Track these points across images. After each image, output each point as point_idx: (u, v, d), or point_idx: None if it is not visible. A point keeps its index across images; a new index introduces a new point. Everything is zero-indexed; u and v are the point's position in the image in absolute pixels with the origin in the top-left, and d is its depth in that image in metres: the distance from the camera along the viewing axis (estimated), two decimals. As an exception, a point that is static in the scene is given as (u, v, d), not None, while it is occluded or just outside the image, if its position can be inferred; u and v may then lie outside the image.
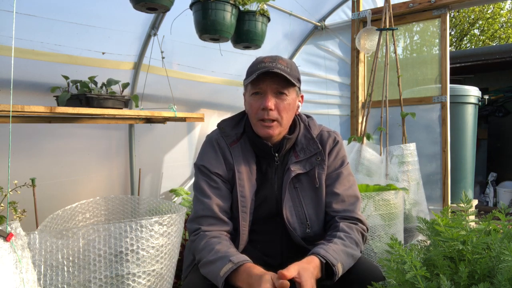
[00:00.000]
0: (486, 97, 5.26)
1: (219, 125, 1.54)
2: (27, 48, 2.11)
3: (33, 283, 1.01)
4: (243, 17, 2.17)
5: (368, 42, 3.25)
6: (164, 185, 3.25)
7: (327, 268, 1.23)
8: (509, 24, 13.78)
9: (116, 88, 2.42)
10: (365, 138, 3.04)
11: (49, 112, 1.91)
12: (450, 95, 3.29)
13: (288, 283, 1.11)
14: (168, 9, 1.86)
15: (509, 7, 13.33)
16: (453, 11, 3.86)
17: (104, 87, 2.33)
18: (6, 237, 0.96)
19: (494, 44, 13.11)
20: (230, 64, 3.27)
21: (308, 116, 1.59)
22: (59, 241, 1.13)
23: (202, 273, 1.28)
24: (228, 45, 2.32)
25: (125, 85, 2.47)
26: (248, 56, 3.08)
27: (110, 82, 2.35)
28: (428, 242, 1.37)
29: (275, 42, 3.55)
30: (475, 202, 4.34)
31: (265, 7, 2.25)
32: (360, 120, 3.50)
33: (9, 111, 1.74)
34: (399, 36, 3.59)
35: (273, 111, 1.40)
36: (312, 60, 3.87)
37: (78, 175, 2.61)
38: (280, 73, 1.35)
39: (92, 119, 2.46)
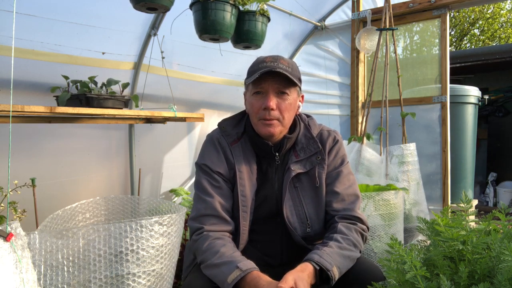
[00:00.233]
0: (486, 97, 5.26)
1: (220, 124, 1.54)
2: (27, 48, 2.11)
3: (33, 283, 1.01)
4: (243, 17, 2.17)
5: (368, 42, 3.25)
6: (164, 185, 3.25)
7: (322, 273, 1.23)
8: (509, 24, 13.78)
9: (116, 88, 2.42)
10: (365, 138, 3.04)
11: (49, 112, 1.91)
12: (450, 95, 3.29)
13: None
14: (168, 9, 1.86)
15: (509, 7, 13.33)
16: (453, 11, 3.87)
17: (104, 87, 2.33)
18: (6, 237, 0.96)
19: (494, 44, 13.11)
20: (230, 64, 3.27)
21: (308, 116, 1.59)
22: (59, 241, 1.13)
23: (206, 274, 1.28)
24: (228, 45, 2.32)
25: (125, 85, 2.47)
26: (248, 56, 3.08)
27: (110, 82, 2.35)
28: (428, 242, 1.38)
29: (275, 42, 3.55)
30: (475, 202, 4.34)
31: (265, 7, 2.25)
32: (360, 120, 3.50)
33: (9, 111, 1.74)
34: (399, 36, 3.59)
35: (275, 111, 1.40)
36: (312, 60, 3.87)
37: (78, 175, 2.61)
38: (282, 72, 1.35)
39: (92, 119, 2.46)
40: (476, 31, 14.23)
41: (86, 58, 2.41)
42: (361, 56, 3.64)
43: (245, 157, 1.47)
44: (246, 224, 1.42)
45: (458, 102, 4.06)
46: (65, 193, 2.54)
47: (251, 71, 1.44)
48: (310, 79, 3.85)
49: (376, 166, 2.88)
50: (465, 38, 14.28)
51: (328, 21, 3.74)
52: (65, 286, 1.11)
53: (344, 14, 3.71)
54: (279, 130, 1.43)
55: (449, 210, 1.38)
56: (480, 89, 4.39)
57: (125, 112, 2.35)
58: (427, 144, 3.28)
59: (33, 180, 1.95)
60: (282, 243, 1.48)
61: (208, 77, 3.25)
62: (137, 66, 2.72)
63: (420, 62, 3.46)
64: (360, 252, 1.39)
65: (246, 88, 1.49)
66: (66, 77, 2.23)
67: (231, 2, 2.02)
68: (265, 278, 1.19)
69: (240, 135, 1.50)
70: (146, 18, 2.50)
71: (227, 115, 1.61)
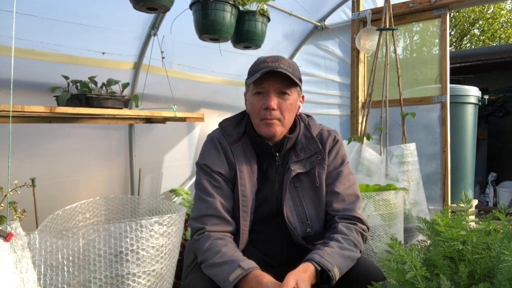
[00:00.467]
0: (486, 97, 5.26)
1: (220, 124, 1.54)
2: (27, 48, 2.11)
3: (33, 283, 1.01)
4: (243, 17, 2.17)
5: (368, 42, 3.25)
6: (164, 185, 3.25)
7: (323, 273, 1.24)
8: (509, 24, 13.78)
9: (116, 88, 2.42)
10: (365, 138, 3.04)
11: (49, 112, 1.91)
12: (450, 95, 3.29)
13: None
14: (168, 9, 1.86)
15: (509, 7, 13.33)
16: (453, 11, 3.86)
17: (104, 87, 2.34)
18: (6, 237, 0.96)
19: (494, 44, 13.11)
20: (230, 64, 3.27)
21: (308, 116, 1.60)
22: (59, 241, 1.13)
23: (206, 273, 1.28)
24: (228, 45, 2.32)
25: (125, 85, 2.47)
26: (248, 56, 3.08)
27: (110, 82, 2.35)
28: (428, 242, 1.38)
29: (275, 42, 3.55)
30: (475, 202, 4.34)
31: (265, 7, 2.25)
32: (360, 120, 3.50)
33: (9, 111, 1.74)
34: (399, 36, 3.59)
35: (276, 111, 1.40)
36: (312, 60, 3.87)
37: (78, 175, 2.61)
38: (283, 72, 1.35)
39: (92, 119, 2.46)
40: (476, 31, 14.24)
41: (86, 58, 2.41)
42: (361, 56, 3.64)
43: (246, 157, 1.47)
44: (246, 224, 1.42)
45: (458, 102, 4.06)
46: (65, 193, 2.54)
47: (252, 71, 1.44)
48: (310, 79, 3.85)
49: (376, 166, 2.88)
50: (465, 38, 14.28)
51: (328, 21, 3.74)
52: (65, 286, 1.11)
53: (344, 14, 3.71)
54: (280, 130, 1.43)
55: (449, 210, 1.38)
56: (480, 89, 4.39)
57: (125, 112, 2.35)
58: (427, 144, 3.28)
59: (33, 180, 1.95)
60: (282, 243, 1.48)
61: (208, 77, 3.25)
62: (137, 66, 2.72)
63: (420, 62, 3.46)
64: (361, 252, 1.39)
65: (247, 88, 1.49)
66: (66, 77, 2.23)
67: (231, 2, 2.02)
68: (266, 277, 1.19)
69: (241, 135, 1.50)
70: (146, 18, 2.50)
71: (227, 115, 1.61)
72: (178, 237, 1.33)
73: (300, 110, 1.56)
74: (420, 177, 2.87)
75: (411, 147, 2.87)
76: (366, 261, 1.40)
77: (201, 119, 2.78)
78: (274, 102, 1.39)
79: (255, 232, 1.46)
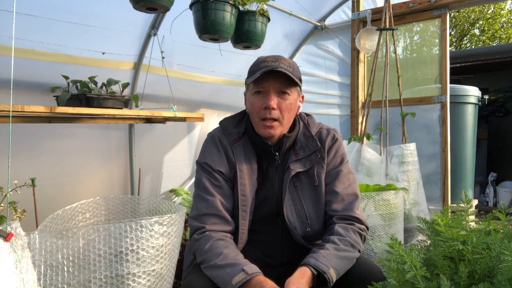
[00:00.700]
0: (486, 97, 5.26)
1: (221, 123, 1.54)
2: (27, 48, 2.11)
3: (33, 283, 1.01)
4: (243, 17, 2.17)
5: (368, 42, 3.25)
6: (164, 185, 3.25)
7: (319, 276, 1.24)
8: (509, 24, 13.78)
9: (116, 88, 2.42)
10: (365, 138, 3.04)
11: (49, 112, 1.91)
12: (450, 95, 3.29)
13: None
14: (168, 9, 1.86)
15: (510, 7, 13.34)
16: (453, 11, 3.86)
17: (104, 87, 2.34)
18: (6, 237, 0.96)
19: (494, 44, 13.11)
20: (230, 64, 3.27)
21: (307, 115, 1.59)
22: (59, 241, 1.13)
23: (207, 274, 1.28)
24: (228, 45, 2.32)
25: (125, 85, 2.47)
26: (248, 56, 3.08)
27: (110, 82, 2.35)
28: (428, 242, 1.38)
29: (275, 42, 3.55)
30: (475, 202, 4.34)
31: (265, 7, 2.25)
32: (360, 120, 3.50)
33: (9, 111, 1.74)
34: (399, 36, 3.59)
35: (275, 110, 1.40)
36: (312, 60, 3.87)
37: (78, 175, 2.61)
38: (283, 72, 1.35)
39: (92, 119, 2.46)
40: (476, 31, 14.24)
41: (86, 58, 2.41)
42: (361, 56, 3.64)
43: (246, 157, 1.47)
44: (245, 224, 1.42)
45: (458, 102, 4.06)
46: (65, 193, 2.54)
47: (252, 71, 1.44)
48: (310, 79, 3.85)
49: (376, 166, 2.88)
50: (465, 38, 14.28)
51: (328, 21, 3.74)
52: (65, 286, 1.11)
53: (344, 14, 3.71)
54: (279, 131, 1.44)
55: (449, 210, 1.38)
56: (480, 89, 4.39)
57: (125, 112, 2.35)
58: (427, 144, 3.28)
59: (33, 180, 1.95)
60: (282, 243, 1.48)
61: (208, 77, 3.25)
62: (137, 66, 2.72)
63: (420, 62, 3.46)
64: (359, 251, 1.39)
65: (247, 87, 1.49)
66: (66, 77, 2.23)
67: (231, 2, 2.02)
68: (269, 284, 1.19)
69: (241, 134, 1.50)
70: (146, 18, 2.50)
71: (227, 115, 1.61)
72: (178, 237, 1.33)
73: (300, 110, 1.56)
74: (420, 177, 2.87)
75: (411, 147, 2.87)
76: (367, 261, 1.40)
77: (201, 119, 2.78)
78: (274, 101, 1.39)
79: (255, 232, 1.46)
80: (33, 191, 1.96)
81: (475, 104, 4.27)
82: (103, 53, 2.47)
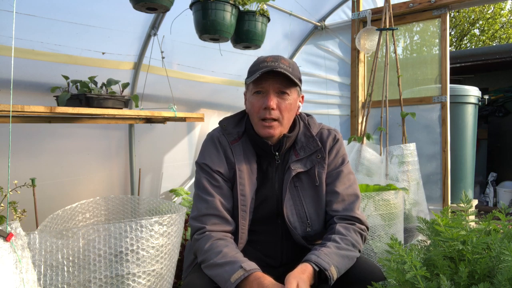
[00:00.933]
0: (486, 97, 5.26)
1: (221, 122, 1.54)
2: (27, 48, 2.11)
3: (33, 283, 1.01)
4: (243, 17, 2.17)
5: (368, 42, 3.25)
6: (164, 185, 3.25)
7: (320, 273, 1.24)
8: (509, 24, 13.78)
9: (116, 88, 2.42)
10: (365, 138, 3.04)
11: (49, 112, 1.91)
12: (450, 95, 3.29)
13: None
14: (168, 9, 1.86)
15: (510, 7, 13.34)
16: (453, 11, 3.87)
17: (104, 87, 2.34)
18: (6, 237, 0.96)
19: (494, 44, 13.11)
20: (230, 64, 3.27)
21: (308, 115, 1.59)
22: (59, 241, 1.13)
23: (207, 273, 1.28)
24: (228, 45, 2.32)
25: (125, 85, 2.47)
26: (248, 56, 3.08)
27: (110, 82, 2.35)
28: (428, 242, 1.38)
29: (275, 42, 3.55)
30: (475, 202, 4.34)
31: (265, 7, 2.25)
32: (360, 120, 3.50)
33: (9, 111, 1.74)
34: (399, 36, 3.59)
35: (275, 111, 1.40)
36: (312, 60, 3.87)
37: (78, 175, 2.61)
38: (283, 72, 1.35)
39: (92, 119, 2.46)
40: (476, 31, 14.24)
41: (86, 58, 2.41)
42: (361, 56, 3.64)
43: (246, 156, 1.47)
44: (245, 224, 1.42)
45: (458, 102, 4.06)
46: (65, 193, 2.54)
47: (251, 71, 1.44)
48: (310, 79, 3.85)
49: (376, 166, 2.88)
50: (465, 38, 14.28)
51: (328, 21, 3.74)
52: (65, 286, 1.11)
53: (344, 14, 3.71)
54: (278, 131, 1.44)
55: (449, 210, 1.38)
56: (480, 89, 4.39)
57: (125, 112, 2.35)
58: (427, 144, 3.28)
59: (33, 180, 1.95)
60: (282, 244, 1.48)
61: (208, 77, 3.25)
62: (137, 66, 2.72)
63: (420, 62, 3.46)
64: (360, 251, 1.39)
65: (247, 87, 1.49)
66: (66, 77, 2.23)
67: (231, 2, 2.02)
68: (267, 279, 1.19)
69: (241, 134, 1.50)
70: (146, 18, 2.50)
71: (227, 115, 1.61)
72: (178, 237, 1.33)
73: (300, 110, 1.56)
74: (420, 177, 2.87)
75: (411, 147, 2.87)
76: (367, 261, 1.40)
77: (201, 119, 2.78)
78: (273, 101, 1.39)
79: (255, 233, 1.46)
80: (33, 191, 1.96)
81: (475, 104, 4.27)
82: (103, 53, 2.47)
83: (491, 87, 6.43)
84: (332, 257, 1.26)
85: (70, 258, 1.13)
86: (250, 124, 1.49)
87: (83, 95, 2.16)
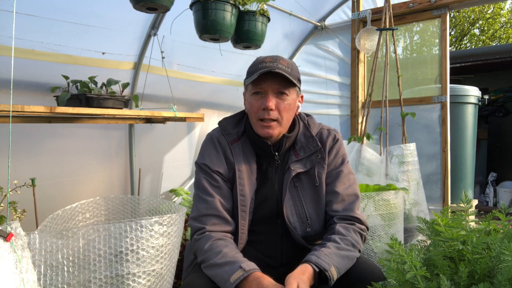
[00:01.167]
0: (486, 97, 5.26)
1: (220, 122, 1.54)
2: (27, 48, 2.11)
3: (33, 283, 1.01)
4: (243, 17, 2.17)
5: (368, 42, 3.25)
6: (164, 185, 3.25)
7: (321, 274, 1.24)
8: (509, 24, 13.78)
9: (116, 88, 2.42)
10: (365, 138, 3.04)
11: (49, 112, 1.91)
12: (450, 95, 3.29)
13: None
14: (168, 9, 1.86)
15: (509, 7, 13.34)
16: (453, 11, 3.87)
17: (104, 87, 2.34)
18: (6, 237, 0.96)
19: (494, 44, 13.11)
20: (230, 64, 3.27)
21: (307, 115, 1.59)
22: (59, 241, 1.13)
23: (207, 273, 1.28)
24: (228, 45, 2.32)
25: (125, 85, 2.47)
26: (248, 56, 3.08)
27: (110, 82, 2.35)
28: (428, 242, 1.38)
29: (275, 42, 3.55)
30: (475, 202, 4.34)
31: (265, 7, 2.25)
32: (360, 120, 3.50)
33: (9, 111, 1.74)
34: (399, 36, 3.59)
35: (274, 111, 1.40)
36: (312, 60, 3.87)
37: (78, 175, 2.61)
38: (281, 73, 1.35)
39: (92, 119, 2.46)
40: (476, 31, 14.24)
41: (86, 58, 2.41)
42: (361, 56, 3.64)
43: (245, 157, 1.47)
44: (245, 224, 1.42)
45: (458, 102, 4.06)
46: (65, 193, 2.54)
47: (250, 71, 1.44)
48: (310, 79, 3.85)
49: (376, 166, 2.88)
50: (465, 38, 14.28)
51: (328, 21, 3.74)
52: (65, 286, 1.11)
53: (344, 14, 3.71)
54: (278, 131, 1.43)
55: (449, 210, 1.38)
56: (480, 89, 4.39)
57: (125, 112, 2.35)
58: (427, 144, 3.28)
59: (33, 180, 1.95)
60: (282, 244, 1.48)
61: (208, 77, 3.25)
62: (137, 66, 2.72)
63: (420, 62, 3.46)
64: (360, 251, 1.39)
65: (246, 88, 1.49)
66: (66, 77, 2.23)
67: (231, 2, 2.02)
68: (267, 280, 1.19)
69: (240, 135, 1.50)
70: (146, 18, 2.50)
71: (227, 115, 1.61)
72: (178, 237, 1.33)
73: (299, 110, 1.56)
74: (420, 177, 2.87)
75: (411, 147, 2.87)
76: (367, 261, 1.40)
77: (201, 119, 2.78)
78: (272, 102, 1.39)
79: (255, 233, 1.46)
80: (33, 191, 1.96)
81: (475, 104, 4.27)
82: (103, 53, 2.47)
83: (491, 87, 6.44)
84: (332, 258, 1.26)
85: (70, 258, 1.13)
86: (250, 124, 1.49)
87: (83, 95, 2.16)
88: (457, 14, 13.72)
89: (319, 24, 3.70)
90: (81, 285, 1.13)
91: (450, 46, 4.62)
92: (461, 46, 14.20)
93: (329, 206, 1.46)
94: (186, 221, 1.83)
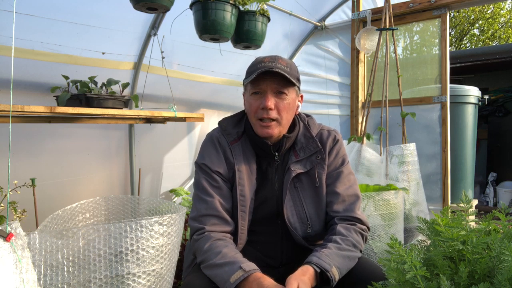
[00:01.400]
0: (486, 97, 5.26)
1: (220, 123, 1.54)
2: (27, 48, 2.11)
3: (33, 283, 1.01)
4: (243, 17, 2.17)
5: (368, 42, 3.25)
6: (164, 185, 3.25)
7: (322, 275, 1.24)
8: (509, 24, 13.79)
9: (116, 88, 2.42)
10: (365, 138, 3.04)
11: (49, 112, 1.91)
12: (450, 95, 3.29)
13: None
14: (168, 9, 1.86)
15: (509, 7, 13.34)
16: (453, 11, 3.87)
17: (104, 87, 2.34)
18: (6, 237, 0.96)
19: (494, 44, 13.11)
20: (230, 64, 3.27)
21: (307, 115, 1.59)
22: (59, 241, 1.13)
23: (206, 274, 1.28)
24: (228, 45, 2.32)
25: (125, 85, 2.47)
26: (248, 56, 3.08)
27: (110, 82, 2.35)
28: (428, 242, 1.37)
29: (275, 42, 3.55)
30: (475, 202, 4.34)
31: (265, 7, 2.25)
32: (360, 120, 3.50)
33: (9, 111, 1.74)
34: (399, 36, 3.59)
35: (273, 111, 1.40)
36: (312, 60, 3.87)
37: (78, 175, 2.61)
38: (280, 72, 1.35)
39: (92, 119, 2.46)
40: (476, 31, 14.25)
41: (86, 58, 2.41)
42: (361, 56, 3.64)
43: (245, 157, 1.47)
44: (244, 224, 1.42)
45: (458, 102, 4.06)
46: (65, 193, 2.54)
47: (249, 72, 1.44)
48: (310, 79, 3.85)
49: (376, 166, 2.88)
50: (465, 38, 14.28)
51: (328, 21, 3.74)
52: (65, 286, 1.11)
53: (344, 14, 3.71)
54: (277, 131, 1.43)
55: (449, 210, 1.38)
56: (480, 89, 4.40)
57: (125, 112, 2.35)
58: (427, 144, 3.28)
59: (33, 180, 1.95)
60: (282, 244, 1.47)
61: (208, 77, 3.25)
62: (137, 66, 2.72)
63: (420, 62, 3.46)
64: (361, 252, 1.39)
65: (245, 88, 1.49)
66: (66, 77, 2.23)
67: (231, 2, 2.02)
68: (267, 280, 1.19)
69: (240, 135, 1.50)
70: (146, 18, 2.50)
71: (227, 115, 1.61)
72: (178, 237, 1.33)
73: (299, 110, 1.56)
74: (420, 177, 2.87)
75: (411, 147, 2.87)
76: (368, 261, 1.40)
77: (201, 119, 2.78)
78: (271, 102, 1.39)
79: (255, 233, 1.46)
80: (33, 191, 1.96)
81: (475, 104, 4.27)
82: (103, 53, 2.47)
83: (491, 87, 6.44)
84: (334, 258, 1.26)
85: (70, 258, 1.13)
86: (250, 124, 1.49)
87: (83, 95, 2.16)
88: (457, 14, 13.72)
89: (319, 24, 3.70)
90: (81, 285, 1.13)
91: (450, 46, 4.62)
92: (461, 46, 14.21)
93: (330, 207, 1.46)
94: (186, 221, 1.83)
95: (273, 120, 1.41)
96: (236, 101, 3.58)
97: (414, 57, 3.57)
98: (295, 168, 1.45)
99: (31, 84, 2.24)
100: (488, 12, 13.54)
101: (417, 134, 3.28)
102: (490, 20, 13.64)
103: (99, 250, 1.15)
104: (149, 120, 2.83)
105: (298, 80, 1.46)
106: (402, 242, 2.33)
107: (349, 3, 3.62)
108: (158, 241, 1.22)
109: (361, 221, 1.43)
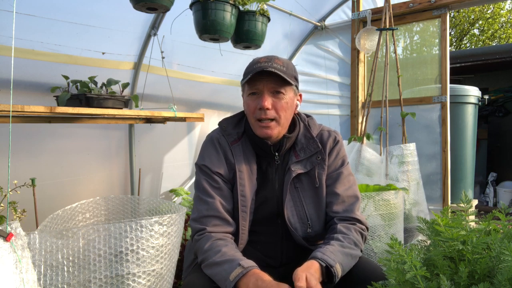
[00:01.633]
0: (486, 97, 5.26)
1: (220, 123, 1.54)
2: (27, 48, 2.11)
3: (33, 283, 1.01)
4: (243, 17, 2.17)
5: (368, 42, 3.25)
6: (164, 185, 3.25)
7: (326, 270, 1.24)
8: (509, 24, 13.79)
9: (116, 88, 2.42)
10: (365, 138, 3.04)
11: (49, 112, 1.91)
12: (450, 95, 3.29)
13: None
14: (168, 9, 1.86)
15: (509, 7, 13.34)
16: (453, 11, 3.87)
17: (104, 87, 2.34)
18: (6, 237, 0.96)
19: (494, 44, 13.12)
20: (230, 64, 3.27)
21: (308, 116, 1.59)
22: (59, 241, 1.13)
23: (206, 273, 1.29)
24: (228, 45, 2.32)
25: (125, 85, 2.47)
26: (248, 56, 3.08)
27: (110, 82, 2.35)
28: (428, 242, 1.37)
29: (275, 42, 3.55)
30: (475, 202, 4.34)
31: (265, 7, 2.25)
32: (360, 120, 3.50)
33: (9, 111, 1.74)
34: (399, 36, 3.59)
35: (271, 110, 1.40)
36: (312, 60, 3.87)
37: (78, 175, 2.61)
38: (275, 71, 1.35)
39: (92, 119, 2.46)
40: (476, 31, 14.25)
41: (86, 58, 2.41)
42: (361, 56, 3.64)
43: (245, 157, 1.47)
44: (245, 224, 1.42)
45: (458, 102, 4.06)
46: (65, 193, 2.54)
47: (246, 72, 1.44)
48: (310, 79, 3.84)
49: (376, 166, 2.88)
50: (465, 38, 14.28)
51: (328, 21, 3.74)
52: (65, 286, 1.11)
53: (344, 14, 3.71)
54: (276, 131, 1.43)
55: (449, 210, 1.38)
56: (480, 89, 4.40)
57: (125, 112, 2.35)
58: (427, 144, 3.28)
59: (33, 180, 1.95)
60: (282, 244, 1.48)
61: (208, 77, 3.25)
62: (137, 66, 2.72)
63: (420, 62, 3.46)
64: (361, 251, 1.39)
65: (243, 89, 1.49)
66: (66, 77, 2.23)
67: (231, 2, 2.02)
68: (266, 277, 1.19)
69: (240, 135, 1.50)
70: (146, 18, 2.50)
71: (227, 115, 1.61)
72: (178, 237, 1.33)
73: (298, 109, 1.55)
74: (420, 177, 2.87)
75: (411, 147, 2.87)
76: (368, 261, 1.40)
77: (201, 119, 2.78)
78: (268, 102, 1.39)
79: (255, 233, 1.46)
80: (33, 191, 1.96)
81: (475, 104, 4.27)
82: (103, 53, 2.47)
83: (491, 87, 6.44)
84: (337, 255, 1.27)
85: (70, 258, 1.13)
86: (250, 124, 1.49)
87: (83, 95, 2.16)
88: (457, 14, 13.73)
89: (319, 24, 3.70)
90: (81, 285, 1.13)
91: (450, 46, 4.62)
92: (461, 46, 14.21)
93: (330, 207, 1.46)
94: (186, 221, 1.83)
95: (271, 120, 1.41)
96: (236, 101, 3.58)
97: (414, 57, 3.57)
98: (296, 169, 1.45)
99: (31, 84, 2.24)
100: (488, 12, 13.55)
101: (417, 134, 3.28)
102: (490, 20, 13.64)
103: (99, 250, 1.15)
104: (149, 120, 2.83)
105: (296, 79, 1.46)
106: (402, 242, 2.33)
107: (349, 3, 3.62)
108: (158, 241, 1.22)
109: (360, 222, 1.44)
